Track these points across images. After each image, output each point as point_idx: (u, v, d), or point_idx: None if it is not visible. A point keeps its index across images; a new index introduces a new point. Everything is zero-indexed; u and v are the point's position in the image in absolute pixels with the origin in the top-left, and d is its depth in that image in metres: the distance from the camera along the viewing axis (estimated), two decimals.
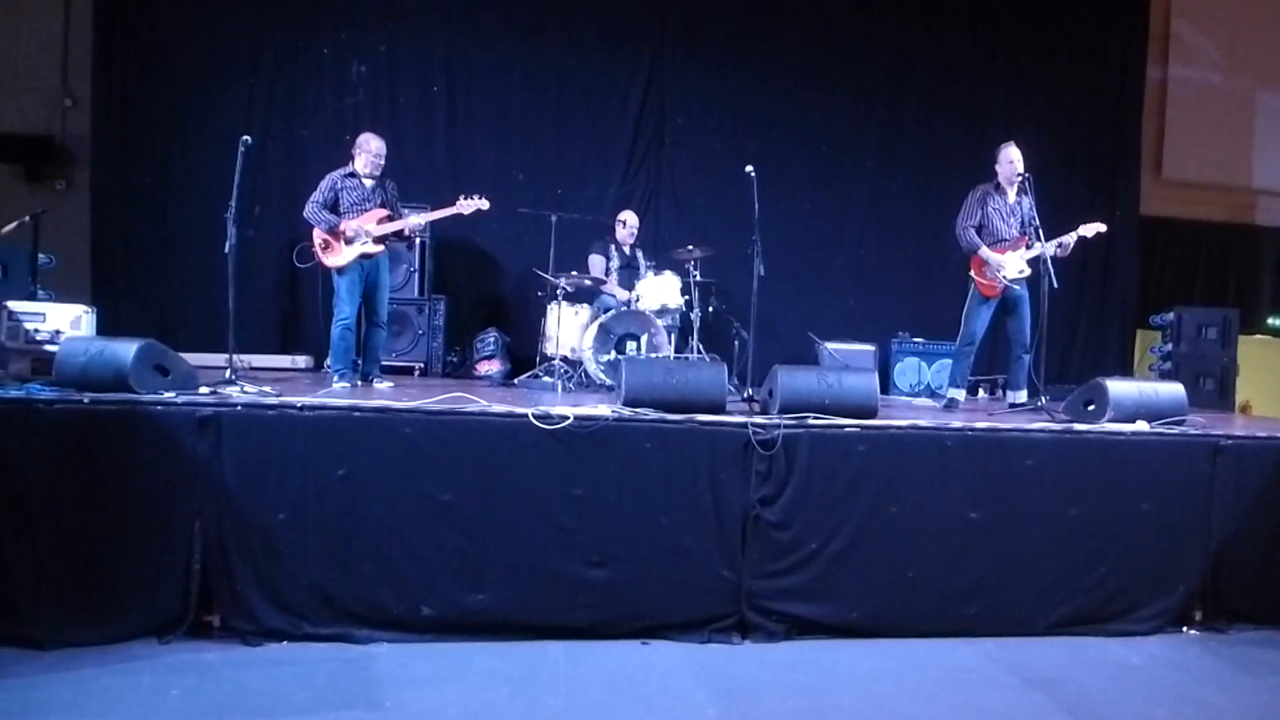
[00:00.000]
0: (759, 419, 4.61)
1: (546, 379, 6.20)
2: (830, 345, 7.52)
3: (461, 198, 5.93)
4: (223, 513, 4.12)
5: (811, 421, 4.63)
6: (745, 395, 5.24)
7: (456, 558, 4.31)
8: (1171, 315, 8.19)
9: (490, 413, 4.43)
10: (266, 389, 4.62)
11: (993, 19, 8.76)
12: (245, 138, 4.97)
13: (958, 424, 4.89)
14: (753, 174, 5.52)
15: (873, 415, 4.77)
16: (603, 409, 4.58)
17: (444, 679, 3.92)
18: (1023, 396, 6.19)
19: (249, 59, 7.55)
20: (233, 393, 4.47)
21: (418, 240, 6.74)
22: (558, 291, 6.33)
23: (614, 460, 4.45)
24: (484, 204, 5.96)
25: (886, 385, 7.70)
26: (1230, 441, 5.09)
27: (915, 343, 7.82)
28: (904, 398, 7.43)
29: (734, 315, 7.20)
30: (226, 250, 4.81)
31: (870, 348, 7.74)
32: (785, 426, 4.57)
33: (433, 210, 6.03)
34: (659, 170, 8.02)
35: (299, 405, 4.24)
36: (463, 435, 4.37)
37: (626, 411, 4.56)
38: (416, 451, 4.29)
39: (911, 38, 8.57)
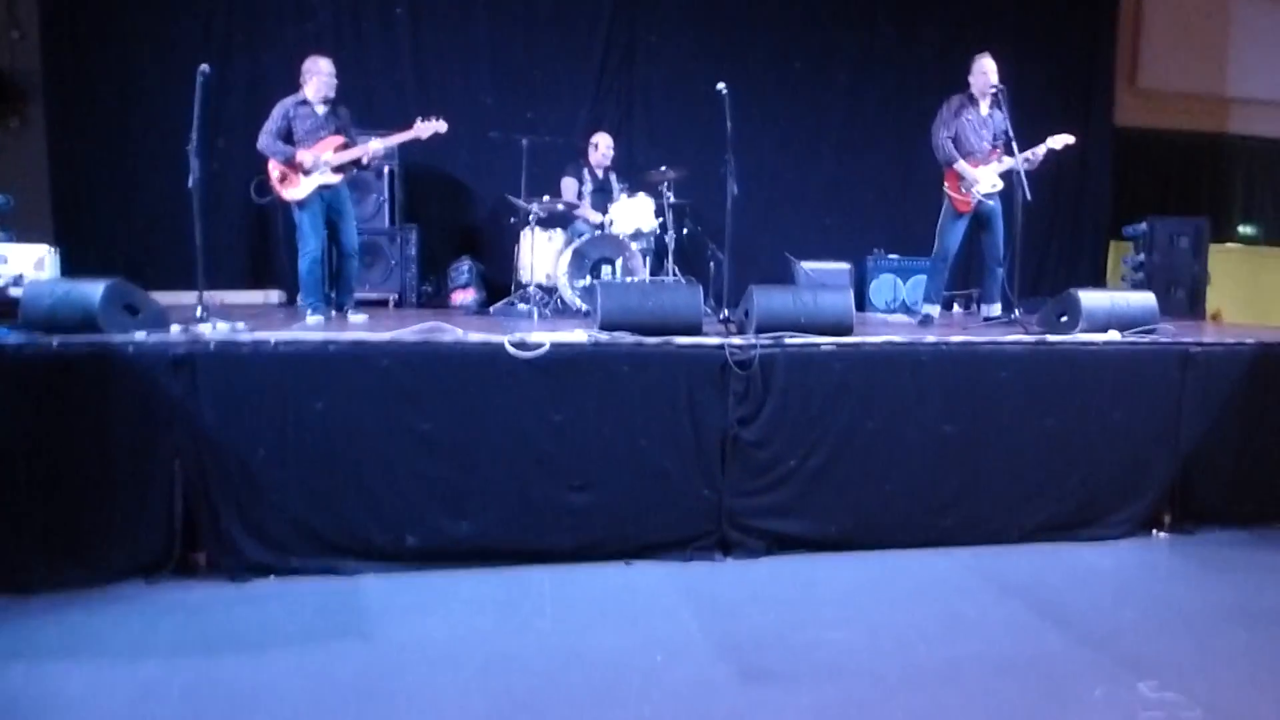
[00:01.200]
0: (735, 339, 4.62)
1: (522, 306, 6.17)
2: (806, 264, 7.52)
3: (419, 120, 5.79)
4: (202, 451, 4.11)
5: (787, 341, 4.64)
6: (722, 316, 5.24)
7: (438, 487, 4.33)
8: (1144, 226, 8.23)
9: (466, 342, 4.42)
10: (239, 325, 4.57)
11: None
12: (203, 66, 4.82)
13: (932, 339, 4.91)
14: (724, 91, 5.42)
15: (848, 333, 4.79)
16: (579, 334, 4.57)
17: (431, 607, 3.96)
18: (997, 310, 6.24)
19: None
20: (205, 330, 4.42)
21: (386, 169, 6.61)
22: (530, 217, 6.27)
23: (592, 385, 4.46)
24: (441, 126, 5.77)
25: (863, 302, 7.73)
26: (1199, 349, 5.16)
27: (890, 259, 7.82)
28: (880, 315, 7.46)
29: (709, 237, 7.16)
30: (190, 185, 4.71)
31: (846, 265, 7.75)
32: (761, 346, 4.58)
33: (389, 135, 5.88)
34: (630, 90, 7.89)
35: (273, 341, 4.21)
36: (440, 365, 4.36)
37: (603, 336, 4.56)
38: (394, 383, 4.28)
39: None
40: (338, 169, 5.59)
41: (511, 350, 4.35)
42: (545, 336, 4.45)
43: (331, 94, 5.65)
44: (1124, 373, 5.06)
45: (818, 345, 4.68)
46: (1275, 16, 10.35)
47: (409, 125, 5.83)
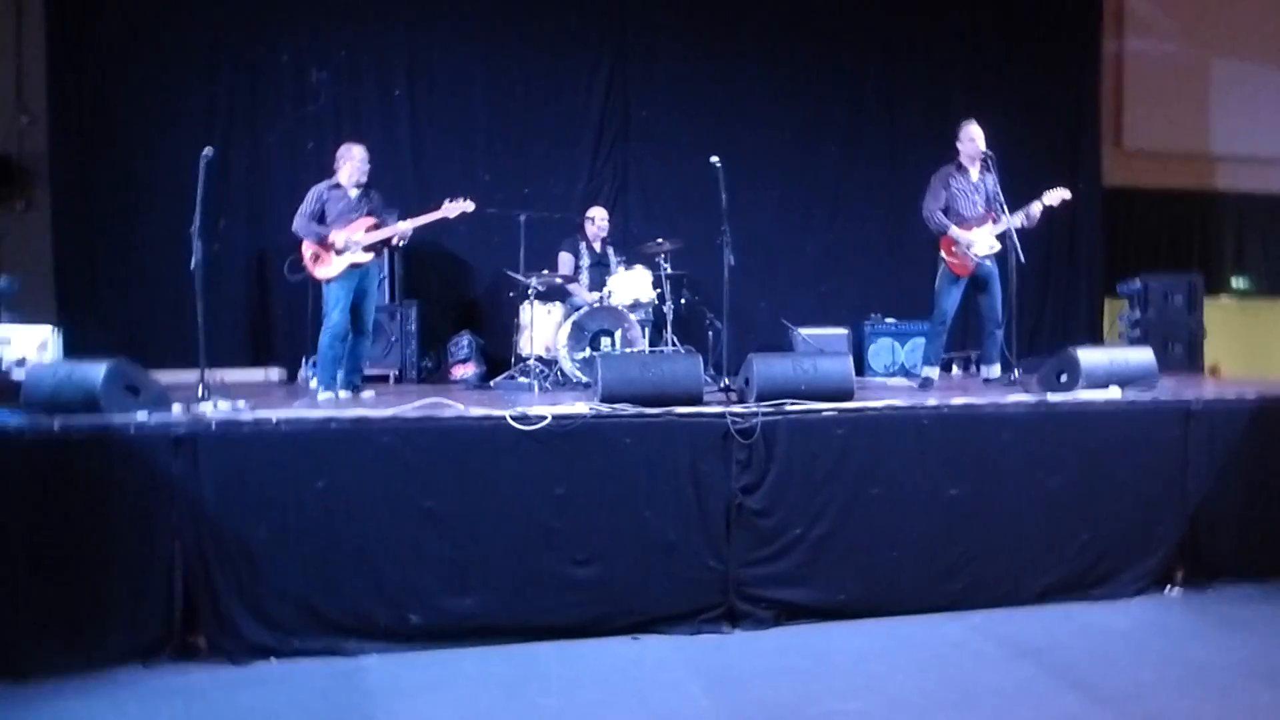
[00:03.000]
0: (737, 408, 4.63)
1: (522, 379, 6.18)
2: (804, 331, 7.55)
3: (447, 201, 5.89)
4: (202, 532, 4.08)
5: (789, 407, 4.65)
6: (722, 385, 5.25)
7: (442, 564, 4.30)
8: (1138, 283, 8.29)
9: (468, 416, 4.43)
10: (241, 404, 4.57)
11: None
12: (207, 150, 4.91)
13: (933, 402, 4.93)
14: (718, 164, 5.50)
15: (849, 398, 4.80)
16: (580, 406, 4.57)
17: (436, 686, 3.90)
18: (997, 371, 6.26)
19: (207, 68, 7.42)
20: (207, 409, 4.42)
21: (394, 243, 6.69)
22: (528, 291, 6.31)
23: (594, 457, 4.45)
24: (469, 206, 5.91)
25: (861, 367, 7.74)
26: (1201, 404, 5.17)
27: (888, 323, 7.86)
28: (879, 379, 7.47)
29: (707, 306, 7.21)
30: (193, 267, 4.75)
31: (844, 331, 7.78)
32: (763, 414, 4.58)
33: (419, 215, 5.94)
34: (625, 164, 8.00)
35: (275, 420, 4.20)
36: (441, 441, 4.36)
37: (604, 408, 4.56)
38: (396, 459, 4.27)
39: (870, 19, 8.59)
40: (369, 248, 5.69)
41: (513, 424, 4.35)
42: (547, 409, 4.45)
43: (364, 179, 5.78)
44: (1127, 430, 5.06)
45: (819, 411, 4.68)
46: (1253, 74, 10.56)
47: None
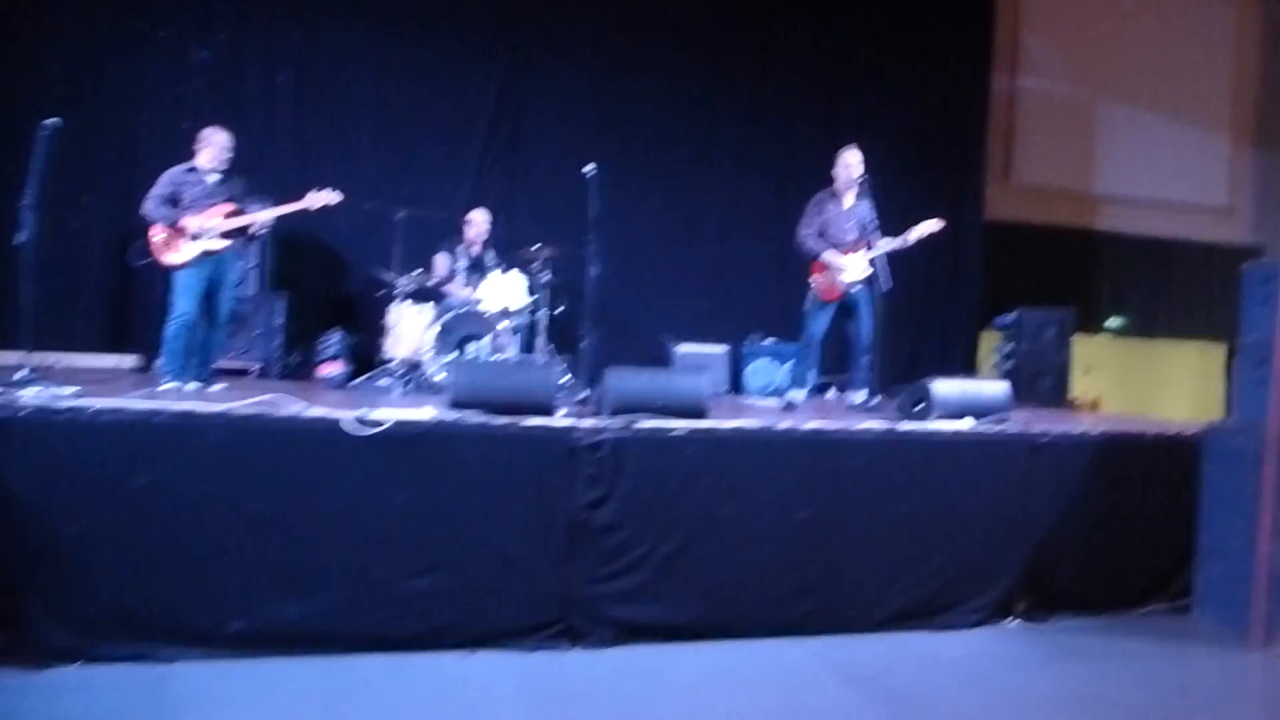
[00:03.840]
0: (586, 422, 4.56)
1: (385, 382, 6.02)
2: (683, 346, 7.53)
3: (312, 191, 5.71)
4: (7, 527, 3.83)
5: (640, 424, 4.60)
6: (579, 398, 5.18)
7: (268, 569, 4.13)
8: (1013, 316, 8.49)
9: (305, 417, 4.26)
10: (63, 391, 4.33)
11: (848, 25, 8.91)
12: (46, 122, 4.67)
13: (785, 425, 4.92)
14: (591, 173, 5.44)
15: (703, 417, 4.76)
16: (424, 412, 4.45)
17: (248, 699, 3.73)
18: (862, 397, 6.30)
19: (79, 39, 7.09)
20: (24, 394, 4.17)
21: (254, 233, 6.45)
22: (394, 291, 6.16)
23: (437, 465, 4.34)
24: (335, 197, 5.71)
25: (739, 386, 7.77)
26: (1047, 438, 5.28)
27: (767, 344, 7.89)
28: (755, 399, 7.48)
29: (587, 316, 7.13)
30: (16, 242, 4.50)
31: (724, 348, 7.79)
32: (613, 429, 4.53)
33: (279, 205, 5.76)
34: (514, 169, 7.89)
35: (92, 409, 3.99)
36: (275, 441, 4.20)
37: (450, 414, 4.45)
38: (224, 457, 4.09)
39: (768, 41, 8.66)
40: (225, 235, 5.47)
41: (352, 427, 4.21)
42: (389, 413, 4.32)
43: (226, 165, 5.56)
44: (976, 461, 5.14)
45: (671, 429, 4.63)
46: (1138, 119, 10.95)
47: (289, 193, 5.71)
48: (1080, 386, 9.82)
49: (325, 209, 5.76)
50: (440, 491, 4.34)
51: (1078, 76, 10.74)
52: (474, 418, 4.45)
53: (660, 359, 7.55)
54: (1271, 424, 4.98)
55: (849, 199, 6.33)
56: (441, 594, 4.32)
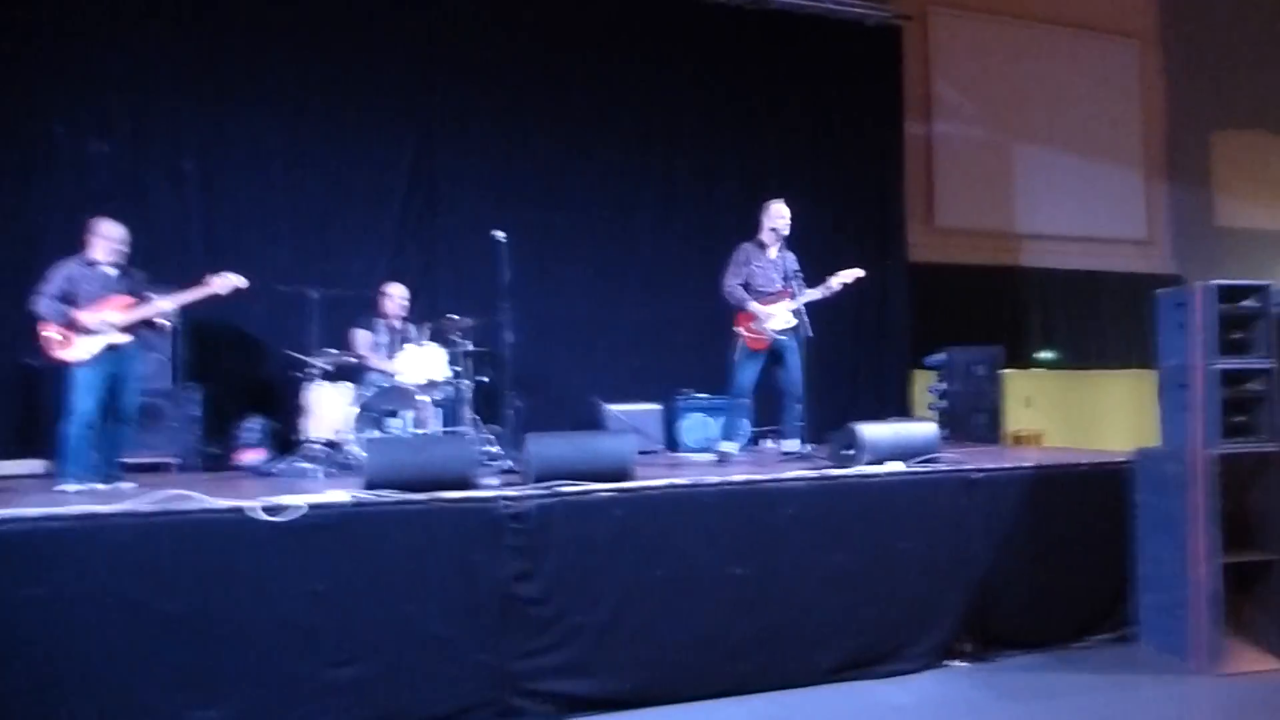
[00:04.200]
0: (509, 491, 4.44)
1: (305, 465, 5.85)
2: (616, 407, 7.46)
3: (214, 276, 5.58)
4: None
5: (565, 489, 4.49)
6: (505, 467, 5.07)
7: (182, 673, 3.92)
8: (943, 355, 8.56)
9: (212, 509, 4.09)
10: None
11: (761, 81, 9.06)
12: None
13: (715, 479, 4.84)
14: (502, 239, 5.40)
15: (628, 478, 4.67)
16: (339, 494, 4.30)
17: None
18: (796, 445, 6.27)
19: None
20: None
21: (167, 327, 6.28)
22: (311, 372, 6.03)
23: (355, 549, 4.18)
24: (241, 282, 5.58)
25: (674, 442, 7.69)
26: (981, 474, 5.26)
27: (699, 398, 7.85)
28: (691, 454, 7.40)
29: (514, 383, 7.04)
30: None
31: (657, 406, 7.73)
32: (537, 497, 4.42)
33: (182, 292, 5.62)
34: (432, 239, 7.81)
35: None
36: (182, 537, 4.01)
37: (367, 495, 4.30)
38: (128, 560, 3.90)
39: (683, 99, 8.75)
40: (125, 329, 5.31)
41: (263, 515, 4.05)
42: (302, 499, 4.17)
43: (120, 260, 5.43)
44: (910, 502, 5.10)
45: (597, 492, 4.53)
46: (1051, 158, 11.26)
47: (200, 281, 5.58)
48: (1021, 421, 9.94)
49: (236, 293, 5.63)
50: (360, 575, 4.18)
51: (991, 121, 11.05)
52: (391, 496, 4.31)
53: (592, 421, 7.46)
54: (1196, 448, 5.01)
55: (774, 250, 6.37)
56: (367, 683, 4.14)
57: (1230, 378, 5.07)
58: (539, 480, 4.54)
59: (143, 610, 3.90)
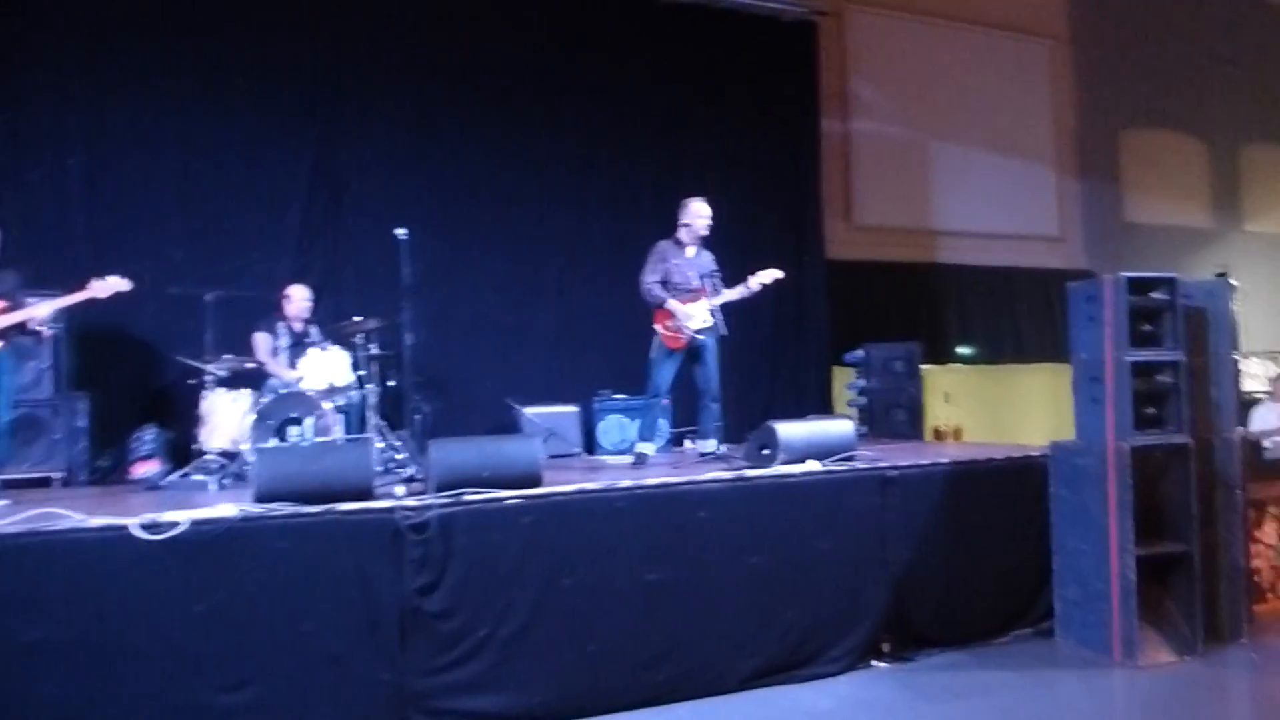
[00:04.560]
0: (409, 501, 4.23)
1: (199, 477, 5.53)
2: (532, 409, 7.26)
3: (94, 279, 5.25)
4: None
5: (469, 497, 4.29)
6: (406, 475, 4.84)
7: (54, 708, 3.63)
8: (862, 352, 8.53)
9: (84, 528, 3.80)
10: None
11: (677, 77, 8.90)
12: None
13: (628, 483, 4.69)
14: (403, 237, 5.15)
15: (536, 484, 4.48)
16: (225, 508, 4.04)
17: None
18: (712, 445, 6.15)
19: None
20: None
21: (46, 333, 5.89)
22: (206, 378, 5.72)
23: (244, 566, 3.93)
24: (124, 285, 5.26)
25: (592, 445, 7.52)
26: (897, 471, 5.20)
27: (617, 399, 7.68)
28: (609, 456, 7.24)
29: (424, 388, 6.79)
30: None
31: (574, 408, 7.55)
32: (439, 506, 4.21)
33: (61, 296, 5.27)
34: (338, 240, 7.48)
35: None
36: (53, 560, 3.72)
37: (257, 509, 4.05)
38: None
39: (598, 96, 8.54)
40: None
41: (140, 534, 3.78)
42: (184, 514, 3.90)
43: None
44: (827, 502, 5.02)
45: (502, 500, 4.34)
46: (967, 156, 11.34)
47: (81, 285, 5.24)
48: (941, 416, 9.98)
49: (121, 296, 5.30)
50: (249, 594, 3.93)
51: (908, 118, 11.06)
52: (283, 509, 4.06)
53: (508, 425, 7.24)
54: (1110, 441, 5.01)
55: (692, 249, 6.24)
56: (259, 707, 3.90)
57: (1141, 370, 5.09)
58: (442, 488, 4.34)
59: (9, 641, 3.60)
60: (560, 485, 4.58)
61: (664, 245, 6.27)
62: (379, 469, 5.24)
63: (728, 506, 4.77)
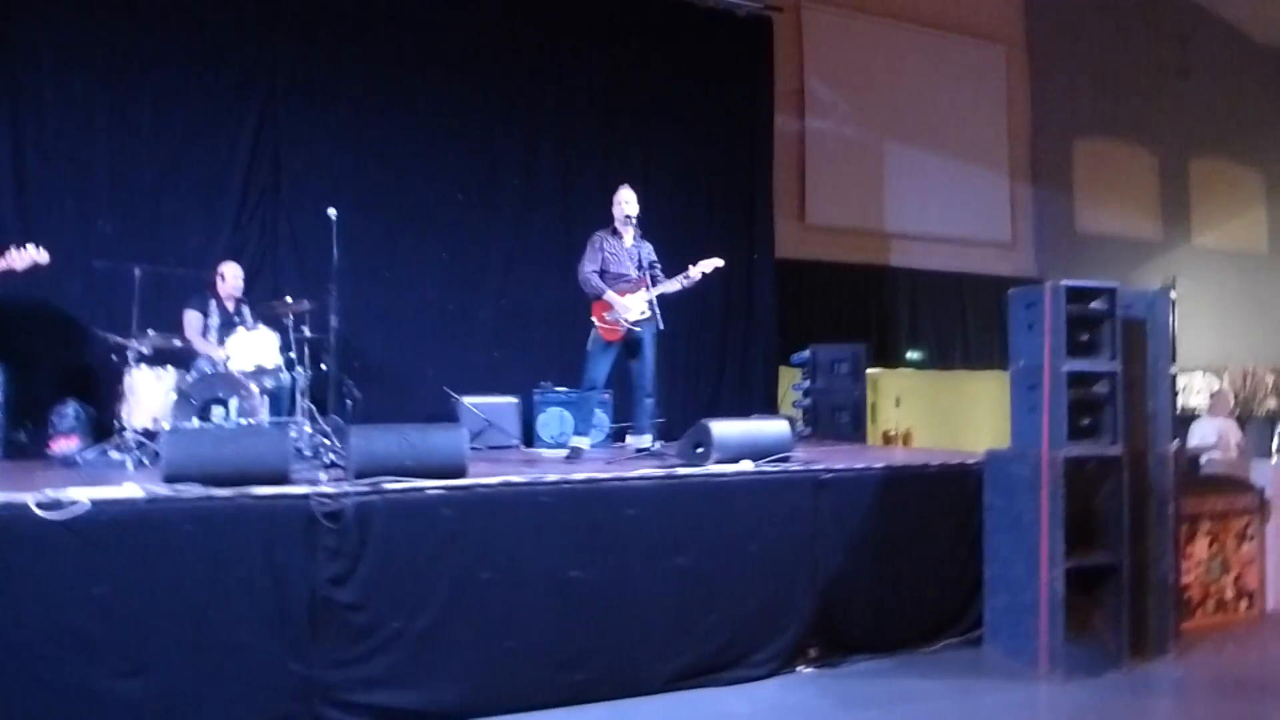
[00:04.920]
0: (326, 488, 4.09)
1: (116, 455, 5.35)
2: (471, 399, 7.13)
3: (12, 248, 5.05)
4: None
5: (388, 486, 4.17)
6: (327, 461, 4.71)
7: None
8: (808, 353, 8.50)
9: None
10: None
11: (627, 65, 8.78)
12: None
13: (554, 477, 4.58)
14: (334, 216, 5.00)
15: (460, 474, 4.37)
16: (130, 488, 3.89)
17: None
18: (647, 441, 6.07)
19: None
20: None
21: None
22: (128, 354, 5.53)
23: (147, 549, 3.78)
24: (41, 256, 5.10)
25: (531, 437, 7.41)
26: (831, 475, 5.14)
27: (558, 392, 7.57)
28: (547, 449, 7.14)
29: (361, 374, 6.65)
30: None
31: (514, 399, 7.43)
32: (357, 494, 4.08)
33: None
34: (276, 219, 7.28)
35: None
36: None
37: (163, 489, 3.90)
38: None
39: (546, 82, 8.41)
40: None
41: (39, 512, 3.62)
42: (86, 493, 3.74)
43: None
44: (758, 503, 4.94)
45: (423, 490, 4.22)
46: (921, 159, 11.34)
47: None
48: (891, 420, 10.01)
49: (40, 269, 5.12)
50: (152, 578, 3.78)
51: (864, 119, 11.03)
52: (192, 491, 3.91)
53: (447, 414, 7.10)
54: (1045, 449, 4.99)
55: (629, 237, 6.14)
56: (157, 697, 3.75)
57: (1077, 379, 5.06)
58: (361, 476, 4.21)
59: None
60: (485, 478, 4.46)
61: (601, 234, 6.18)
62: (304, 454, 5.11)
63: (657, 505, 4.68)
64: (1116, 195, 13.06)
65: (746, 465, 5.03)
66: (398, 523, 4.15)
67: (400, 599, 4.13)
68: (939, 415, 10.53)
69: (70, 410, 6.10)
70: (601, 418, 7.09)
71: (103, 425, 6.20)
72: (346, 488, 4.10)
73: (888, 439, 9.73)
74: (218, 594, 3.86)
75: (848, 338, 8.69)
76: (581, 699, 4.40)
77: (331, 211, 5.13)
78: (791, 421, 8.34)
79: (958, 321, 11.64)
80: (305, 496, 4.02)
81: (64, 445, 5.98)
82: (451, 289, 7.82)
